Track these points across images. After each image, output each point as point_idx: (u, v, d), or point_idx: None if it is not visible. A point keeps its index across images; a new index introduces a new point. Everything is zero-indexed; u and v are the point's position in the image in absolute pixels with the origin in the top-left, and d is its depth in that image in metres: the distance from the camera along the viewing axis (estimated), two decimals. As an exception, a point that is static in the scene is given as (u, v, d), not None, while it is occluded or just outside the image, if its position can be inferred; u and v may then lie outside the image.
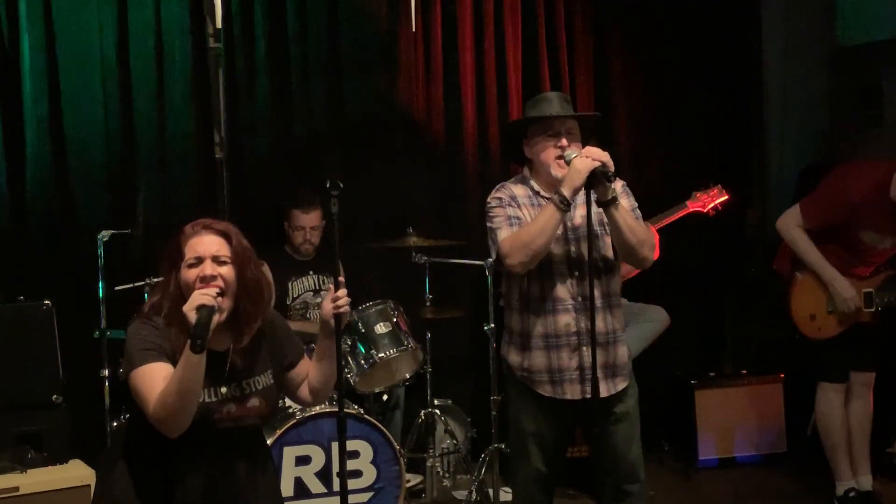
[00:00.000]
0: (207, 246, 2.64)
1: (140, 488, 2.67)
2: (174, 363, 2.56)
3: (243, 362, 2.72)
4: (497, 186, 3.49)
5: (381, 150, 5.37)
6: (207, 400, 2.62)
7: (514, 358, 3.45)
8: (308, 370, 2.91)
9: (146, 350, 2.59)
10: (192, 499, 2.65)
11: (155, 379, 2.54)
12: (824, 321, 4.58)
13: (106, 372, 4.32)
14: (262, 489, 2.79)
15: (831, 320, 4.56)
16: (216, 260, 2.63)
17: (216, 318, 2.53)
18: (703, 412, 5.42)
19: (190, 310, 2.49)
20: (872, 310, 4.51)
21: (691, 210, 5.14)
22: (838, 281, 4.49)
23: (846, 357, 4.60)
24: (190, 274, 2.62)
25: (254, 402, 2.72)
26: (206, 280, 2.59)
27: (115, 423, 4.30)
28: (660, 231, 4.92)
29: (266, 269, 2.83)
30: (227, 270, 2.63)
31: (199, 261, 2.62)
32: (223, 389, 2.67)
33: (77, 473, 4.02)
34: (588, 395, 3.30)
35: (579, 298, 3.34)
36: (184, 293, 2.60)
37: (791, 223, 4.56)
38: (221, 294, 2.59)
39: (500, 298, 3.66)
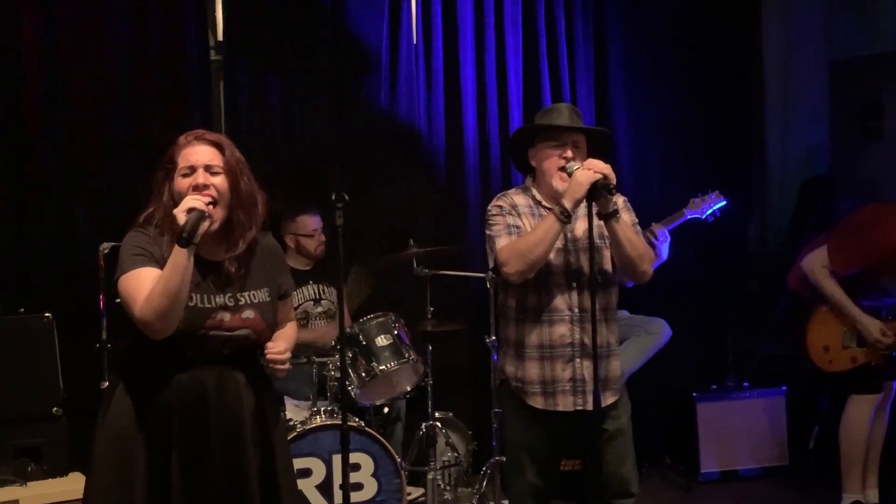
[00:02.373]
0: (200, 156, 2.69)
1: (136, 400, 2.70)
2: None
3: (238, 273, 2.75)
4: (498, 195, 3.50)
5: (383, 162, 5.37)
6: (200, 305, 2.67)
7: (509, 368, 3.46)
8: (286, 318, 2.96)
9: (136, 255, 2.66)
10: (185, 403, 2.67)
11: (142, 282, 2.60)
12: (837, 355, 4.60)
13: (106, 384, 4.30)
14: (255, 406, 2.78)
15: (844, 356, 4.58)
16: (209, 170, 2.68)
17: (206, 225, 2.60)
18: (705, 425, 5.40)
19: (180, 211, 2.57)
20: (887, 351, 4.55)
21: (689, 217, 5.09)
22: (866, 320, 4.50)
23: (879, 368, 4.59)
24: (183, 183, 2.67)
25: (248, 313, 2.74)
26: (198, 189, 2.65)
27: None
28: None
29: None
30: (219, 181, 2.68)
31: (192, 170, 2.67)
32: (217, 298, 2.71)
33: (77, 486, 3.96)
34: (580, 408, 3.32)
35: (576, 310, 3.34)
36: (176, 202, 2.66)
37: (817, 265, 4.55)
38: (213, 203, 2.65)
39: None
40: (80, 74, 4.75)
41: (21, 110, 4.67)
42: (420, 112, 5.44)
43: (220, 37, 5.13)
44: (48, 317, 4.28)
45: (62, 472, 4.14)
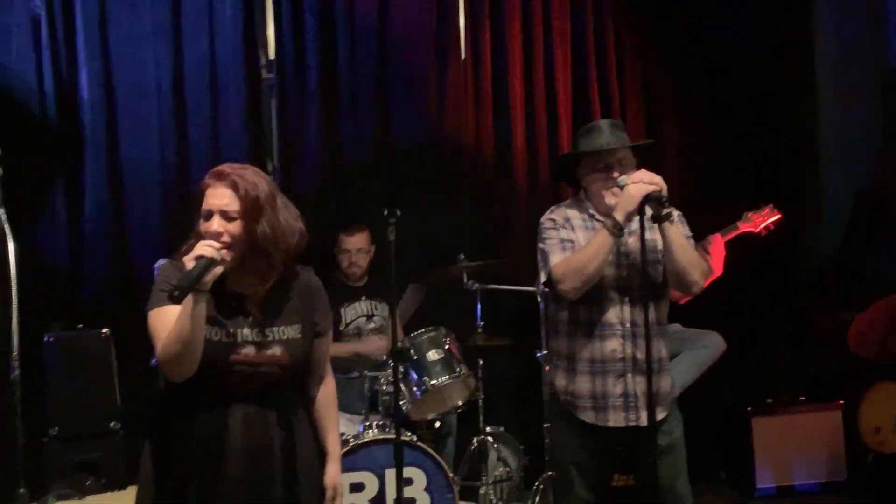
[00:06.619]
0: (217, 199, 2.61)
1: (163, 428, 2.67)
2: None
3: (267, 307, 2.69)
4: (551, 208, 3.46)
5: (432, 178, 5.40)
6: (224, 340, 2.62)
7: (559, 382, 3.42)
8: (321, 359, 2.85)
9: (164, 291, 2.60)
10: (206, 444, 2.61)
11: (164, 322, 2.57)
12: (887, 437, 4.52)
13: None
14: (286, 446, 2.70)
15: (895, 440, 4.49)
16: (224, 215, 2.60)
17: (219, 271, 2.54)
18: (760, 440, 5.33)
19: (189, 259, 2.52)
20: None
21: (743, 231, 5.06)
22: None
23: None
24: (202, 226, 2.62)
25: (275, 350, 2.67)
26: (211, 236, 2.59)
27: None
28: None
29: (293, 214, 2.73)
30: (234, 226, 2.59)
31: (210, 214, 2.61)
32: (245, 331, 2.65)
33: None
34: (632, 423, 3.29)
35: (627, 324, 3.31)
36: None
37: None
38: (228, 247, 2.58)
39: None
40: (128, 95, 4.86)
41: (77, 130, 4.78)
42: (469, 128, 5.46)
43: (271, 55, 5.19)
44: (106, 332, 4.36)
45: (120, 486, 4.19)
